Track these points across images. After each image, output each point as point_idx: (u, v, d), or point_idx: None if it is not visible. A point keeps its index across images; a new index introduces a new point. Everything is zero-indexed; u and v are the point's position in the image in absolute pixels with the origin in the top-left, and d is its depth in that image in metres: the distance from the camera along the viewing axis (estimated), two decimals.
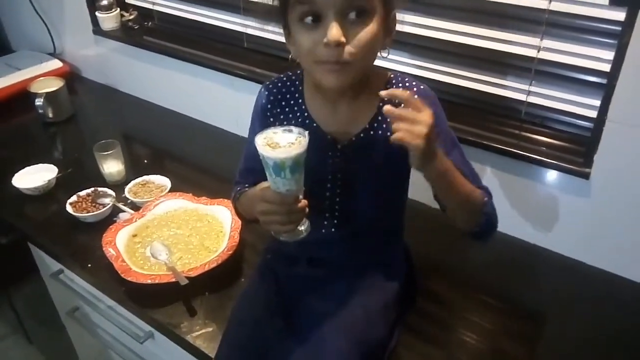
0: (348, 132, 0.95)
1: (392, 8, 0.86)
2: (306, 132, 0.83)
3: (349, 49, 0.81)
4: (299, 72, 1.00)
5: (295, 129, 0.85)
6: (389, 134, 0.92)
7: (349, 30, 0.80)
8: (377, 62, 0.90)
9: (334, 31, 0.78)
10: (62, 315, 1.57)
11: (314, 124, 0.96)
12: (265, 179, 0.86)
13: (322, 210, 0.99)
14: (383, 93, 0.80)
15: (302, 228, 0.90)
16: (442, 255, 1.23)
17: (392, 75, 0.96)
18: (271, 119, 0.99)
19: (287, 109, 0.98)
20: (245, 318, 0.99)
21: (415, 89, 0.94)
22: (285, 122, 0.97)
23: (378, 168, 0.95)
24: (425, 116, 0.77)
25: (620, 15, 1.00)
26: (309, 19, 0.81)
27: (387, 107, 0.77)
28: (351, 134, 0.95)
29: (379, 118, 0.94)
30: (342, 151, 0.95)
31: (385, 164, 0.95)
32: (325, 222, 1.00)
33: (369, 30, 0.81)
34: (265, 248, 1.14)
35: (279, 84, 1.00)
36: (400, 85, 0.94)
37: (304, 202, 0.87)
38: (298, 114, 0.97)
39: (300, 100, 0.98)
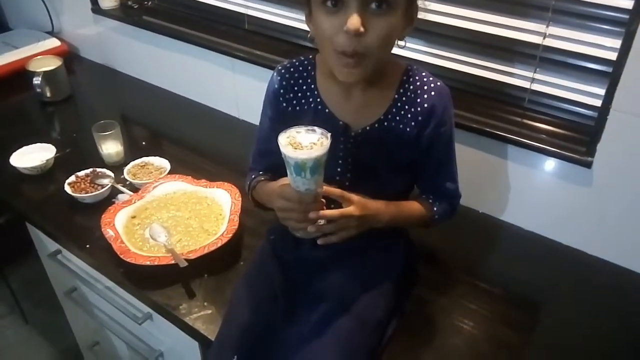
0: (361, 120, 0.95)
1: None
2: (329, 134, 0.84)
3: (366, 39, 0.80)
4: (311, 56, 0.99)
5: (318, 130, 0.85)
6: (401, 126, 0.94)
7: (369, 20, 0.80)
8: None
9: (354, 20, 0.78)
10: (60, 295, 1.57)
11: (327, 110, 0.96)
12: (280, 162, 0.86)
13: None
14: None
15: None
16: (439, 243, 1.23)
17: (408, 67, 0.95)
18: (284, 104, 0.99)
19: (299, 94, 0.98)
20: (247, 299, 0.99)
21: (432, 85, 0.94)
22: (297, 108, 0.98)
23: (389, 157, 0.96)
24: (352, 221, 0.91)
25: (628, 3, 0.99)
26: (330, 3, 0.81)
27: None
28: (365, 123, 0.95)
29: (394, 110, 0.94)
30: (355, 139, 0.95)
31: (396, 154, 0.96)
32: (332, 206, 1.00)
33: (389, 22, 0.81)
34: (269, 229, 1.14)
35: (292, 69, 0.99)
36: (417, 80, 0.94)
37: (322, 201, 0.88)
38: (310, 100, 0.97)
39: (312, 86, 0.97)
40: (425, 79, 0.95)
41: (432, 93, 0.93)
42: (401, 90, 0.93)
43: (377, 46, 0.82)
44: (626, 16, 1.00)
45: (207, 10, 1.73)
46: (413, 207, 1.02)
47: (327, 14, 0.82)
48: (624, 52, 0.99)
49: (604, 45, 1.07)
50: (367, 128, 0.95)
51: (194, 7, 1.76)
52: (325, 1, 0.82)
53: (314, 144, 0.83)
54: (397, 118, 0.94)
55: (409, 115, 0.94)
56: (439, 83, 0.95)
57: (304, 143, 0.83)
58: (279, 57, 1.51)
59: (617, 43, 1.03)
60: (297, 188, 0.86)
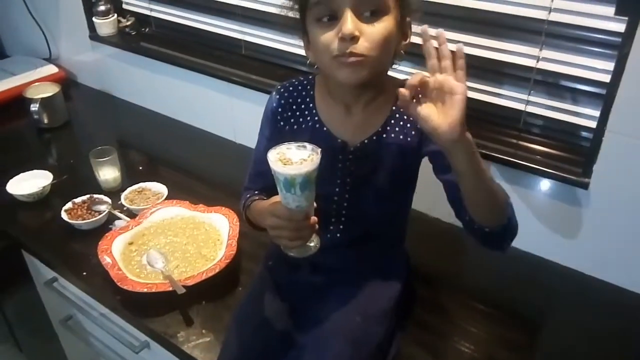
0: (359, 136, 0.95)
1: (407, 12, 0.87)
2: (319, 150, 0.83)
3: (363, 42, 0.82)
4: (310, 77, 1.00)
5: (309, 146, 0.85)
6: (401, 137, 0.94)
7: (364, 27, 0.82)
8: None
9: (348, 24, 0.80)
10: (55, 323, 1.55)
11: (324, 128, 0.96)
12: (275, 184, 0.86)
13: (328, 214, 0.99)
14: (402, 90, 0.76)
15: (311, 244, 0.91)
16: (438, 263, 1.23)
17: (405, 81, 0.96)
18: (281, 123, 1.00)
19: (297, 113, 0.99)
20: (247, 325, 0.98)
21: None
22: (295, 127, 0.98)
23: (387, 172, 0.96)
24: (460, 86, 0.73)
25: (620, 26, 1.01)
26: (325, 19, 0.83)
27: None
28: (363, 137, 0.95)
29: (392, 121, 0.95)
30: (353, 154, 0.95)
31: (394, 168, 0.95)
32: (331, 227, 1.00)
33: (383, 26, 0.83)
34: (267, 254, 1.13)
35: (291, 88, 1.00)
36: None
37: (313, 219, 0.87)
38: (308, 118, 0.98)
39: (311, 105, 0.98)
40: None
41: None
42: (398, 102, 0.93)
43: (374, 47, 0.82)
44: (618, 39, 1.02)
45: (204, 36, 1.75)
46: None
47: (323, 29, 0.84)
48: (617, 74, 1.01)
49: (596, 68, 1.09)
50: (365, 141, 0.95)
51: (192, 34, 1.78)
52: (320, 18, 0.84)
53: (304, 159, 0.83)
54: (397, 129, 0.94)
55: (409, 125, 0.94)
56: None
57: (293, 159, 0.83)
58: (275, 81, 1.52)
59: (609, 65, 1.05)
60: (287, 205, 0.85)
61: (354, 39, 0.81)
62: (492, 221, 0.87)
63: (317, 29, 0.85)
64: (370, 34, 0.82)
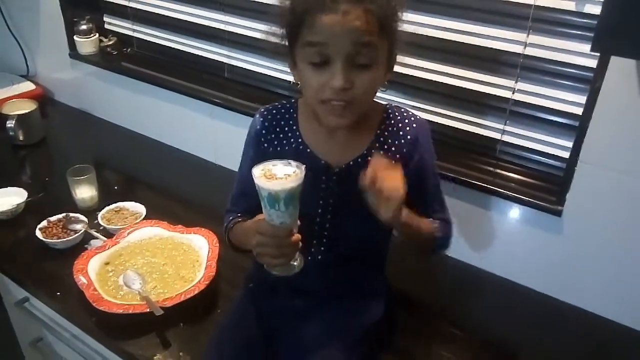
0: (343, 158, 0.97)
1: (395, 48, 0.90)
2: (303, 167, 0.84)
3: (352, 92, 0.84)
4: (293, 100, 1.02)
5: (294, 163, 0.86)
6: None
7: (355, 74, 0.84)
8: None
9: (340, 79, 0.83)
10: (24, 345, 1.50)
11: (308, 150, 0.97)
12: (259, 204, 0.86)
13: (310, 235, 0.99)
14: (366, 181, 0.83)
15: (294, 263, 0.91)
16: (414, 290, 1.24)
17: (388, 106, 0.99)
18: (265, 145, 1.00)
19: (281, 135, 1.00)
20: (225, 349, 0.97)
21: (412, 118, 0.98)
22: (279, 148, 1.00)
23: None
24: (396, 194, 0.81)
25: (592, 62, 1.06)
26: (317, 60, 0.85)
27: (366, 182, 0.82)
28: (346, 159, 0.97)
29: (376, 145, 0.96)
30: (337, 175, 0.97)
31: None
32: (313, 249, 1.00)
33: (374, 74, 0.85)
34: (247, 276, 1.12)
35: (274, 111, 1.01)
36: (398, 115, 0.98)
37: (297, 236, 0.88)
38: (292, 140, 0.99)
39: (294, 127, 0.99)
40: (405, 113, 0.99)
41: (415, 125, 0.97)
42: (382, 126, 0.96)
43: (362, 94, 0.86)
44: (590, 74, 1.07)
45: (187, 58, 1.76)
46: (424, 224, 0.99)
47: (314, 70, 0.86)
48: (589, 107, 1.05)
49: (569, 101, 1.14)
50: (350, 163, 0.97)
51: (175, 55, 1.79)
52: (312, 59, 0.85)
53: (288, 175, 0.84)
54: (381, 152, 0.96)
55: (393, 148, 0.97)
56: (419, 117, 0.99)
57: (278, 175, 0.84)
58: (257, 104, 1.53)
59: (582, 99, 1.10)
60: (271, 221, 0.85)
61: (344, 89, 0.84)
62: (419, 254, 1.08)
63: (308, 69, 0.87)
64: (361, 81, 0.85)
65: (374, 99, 0.97)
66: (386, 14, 0.84)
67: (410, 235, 0.96)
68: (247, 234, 0.96)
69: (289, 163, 0.86)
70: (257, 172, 0.84)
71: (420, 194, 0.99)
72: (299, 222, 0.88)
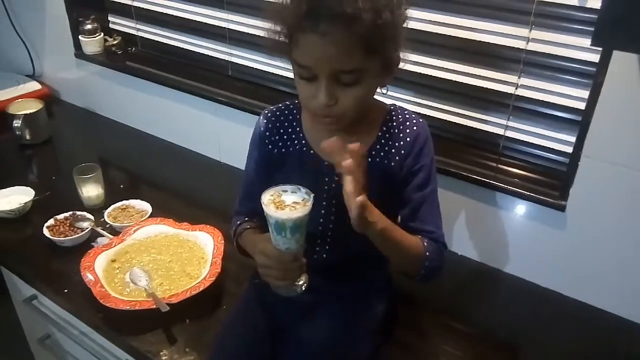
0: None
1: (395, 53, 0.89)
2: (312, 195, 0.86)
3: (338, 107, 0.86)
4: (297, 101, 1.02)
5: (303, 189, 0.88)
6: (386, 162, 0.96)
7: (340, 91, 0.85)
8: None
9: (324, 96, 0.84)
10: (32, 343, 1.52)
11: (312, 151, 0.98)
12: None
13: (314, 236, 1.00)
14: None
15: (299, 283, 0.92)
16: (415, 283, 1.23)
17: (391, 107, 0.99)
18: (269, 146, 1.01)
19: (285, 137, 1.01)
20: (232, 345, 0.98)
21: (414, 121, 0.98)
22: (283, 150, 1.00)
23: (373, 195, 0.97)
24: (353, 204, 0.79)
25: (594, 56, 1.06)
26: (305, 76, 0.86)
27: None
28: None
29: (377, 146, 0.97)
30: (340, 176, 0.97)
31: (379, 192, 0.97)
32: (318, 249, 1.01)
33: (359, 90, 0.86)
34: (253, 273, 1.13)
35: (278, 113, 1.02)
36: (400, 117, 0.98)
37: (302, 260, 0.89)
38: (296, 142, 1.00)
39: (298, 129, 1.00)
40: (407, 116, 0.99)
41: (415, 128, 0.98)
42: (384, 128, 0.97)
43: (350, 108, 0.87)
44: (593, 69, 1.07)
45: (190, 57, 1.77)
46: (407, 234, 0.95)
47: (304, 83, 0.88)
48: (592, 102, 1.05)
49: (572, 96, 1.13)
50: None
51: (178, 54, 1.80)
52: (301, 75, 0.87)
53: (297, 203, 0.85)
54: (382, 154, 0.97)
55: (393, 150, 0.97)
56: (420, 120, 0.99)
57: (286, 202, 0.86)
58: (261, 102, 1.55)
59: (584, 93, 1.10)
60: (277, 246, 0.88)
61: (329, 105, 0.85)
62: (406, 271, 0.99)
63: (300, 80, 0.88)
64: (346, 98, 0.86)
65: (376, 99, 0.97)
66: (374, 31, 0.80)
67: (388, 249, 0.92)
68: (253, 249, 0.98)
69: (299, 189, 0.88)
70: (266, 199, 0.86)
71: (410, 196, 0.98)
72: (305, 246, 0.89)
